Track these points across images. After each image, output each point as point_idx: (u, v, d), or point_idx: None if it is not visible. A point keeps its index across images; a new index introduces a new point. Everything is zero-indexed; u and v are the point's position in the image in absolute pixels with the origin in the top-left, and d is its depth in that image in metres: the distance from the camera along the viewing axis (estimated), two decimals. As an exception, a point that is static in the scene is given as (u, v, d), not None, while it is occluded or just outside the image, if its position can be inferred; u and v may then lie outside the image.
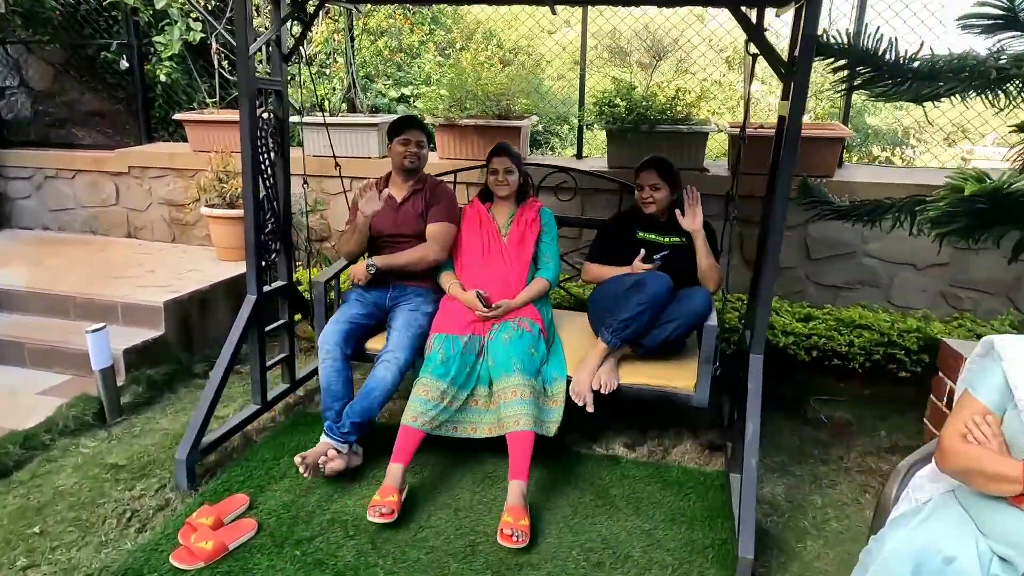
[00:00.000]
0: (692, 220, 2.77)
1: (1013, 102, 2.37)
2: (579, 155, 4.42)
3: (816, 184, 3.01)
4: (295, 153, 3.11)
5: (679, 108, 3.75)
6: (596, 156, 4.78)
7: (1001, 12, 2.25)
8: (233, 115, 4.45)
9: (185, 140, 4.75)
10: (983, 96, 2.40)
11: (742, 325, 3.38)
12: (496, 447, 2.64)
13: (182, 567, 2.12)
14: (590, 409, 2.58)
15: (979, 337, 3.25)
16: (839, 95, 3.96)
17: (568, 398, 2.62)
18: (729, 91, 6.81)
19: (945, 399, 2.74)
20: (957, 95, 2.38)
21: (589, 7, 3.81)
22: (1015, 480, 1.43)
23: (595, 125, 4.07)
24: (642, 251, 2.79)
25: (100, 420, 2.98)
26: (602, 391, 2.59)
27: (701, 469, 2.74)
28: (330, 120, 3.59)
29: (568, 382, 2.65)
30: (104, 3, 4.99)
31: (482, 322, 2.72)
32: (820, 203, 2.85)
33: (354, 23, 4.71)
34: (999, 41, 2.36)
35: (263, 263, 2.88)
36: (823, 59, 2.41)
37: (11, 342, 3.41)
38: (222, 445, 2.77)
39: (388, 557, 2.19)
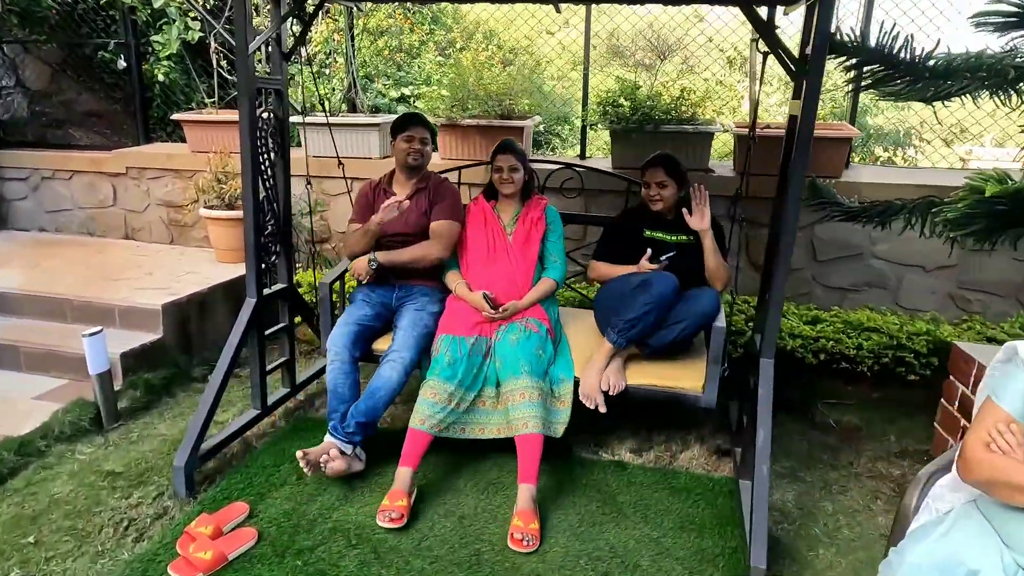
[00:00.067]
0: (700, 219, 2.73)
1: (1027, 101, 2.33)
2: (582, 155, 4.37)
3: (825, 185, 2.97)
4: (295, 153, 3.07)
5: (684, 108, 3.70)
6: (598, 157, 4.73)
7: (1016, 10, 2.20)
8: (232, 115, 4.41)
9: (183, 140, 4.71)
10: (995, 96, 2.36)
11: (748, 328, 3.34)
12: (500, 448, 2.62)
13: (180, 578, 2.07)
14: (602, 409, 2.56)
15: (989, 340, 3.23)
16: (845, 95, 3.92)
17: (575, 399, 2.59)
18: (730, 91, 6.77)
19: (957, 403, 2.70)
20: (967, 95, 2.34)
21: (593, 5, 3.76)
22: (1042, 491, 1.39)
23: (599, 125, 4.02)
24: (648, 251, 2.75)
25: (97, 426, 2.93)
26: (610, 392, 2.57)
27: (709, 475, 2.69)
28: (331, 120, 3.53)
29: (575, 383, 2.62)
30: (101, 2, 4.95)
31: (489, 323, 2.69)
32: (830, 204, 2.81)
33: (354, 22, 4.66)
34: (1012, 40, 2.31)
35: (263, 265, 2.84)
36: (835, 57, 2.36)
37: (7, 345, 3.36)
38: (221, 451, 2.72)
39: (392, 567, 2.14)
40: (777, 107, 6.89)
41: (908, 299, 3.64)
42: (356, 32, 4.79)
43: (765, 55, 2.41)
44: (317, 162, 3.69)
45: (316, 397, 3.30)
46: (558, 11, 3.26)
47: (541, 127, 5.95)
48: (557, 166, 3.59)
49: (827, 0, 1.99)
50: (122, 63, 4.91)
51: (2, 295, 3.66)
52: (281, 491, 2.51)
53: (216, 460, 2.69)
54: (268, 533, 2.28)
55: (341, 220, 4.26)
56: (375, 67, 5.51)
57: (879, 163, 5.62)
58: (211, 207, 4.06)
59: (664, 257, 2.75)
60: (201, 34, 4.72)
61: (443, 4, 6.04)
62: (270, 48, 2.93)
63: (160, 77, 4.88)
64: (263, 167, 2.80)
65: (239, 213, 3.94)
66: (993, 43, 2.33)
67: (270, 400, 3.01)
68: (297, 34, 2.92)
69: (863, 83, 2.38)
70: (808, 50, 2.18)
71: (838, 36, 2.27)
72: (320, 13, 3.93)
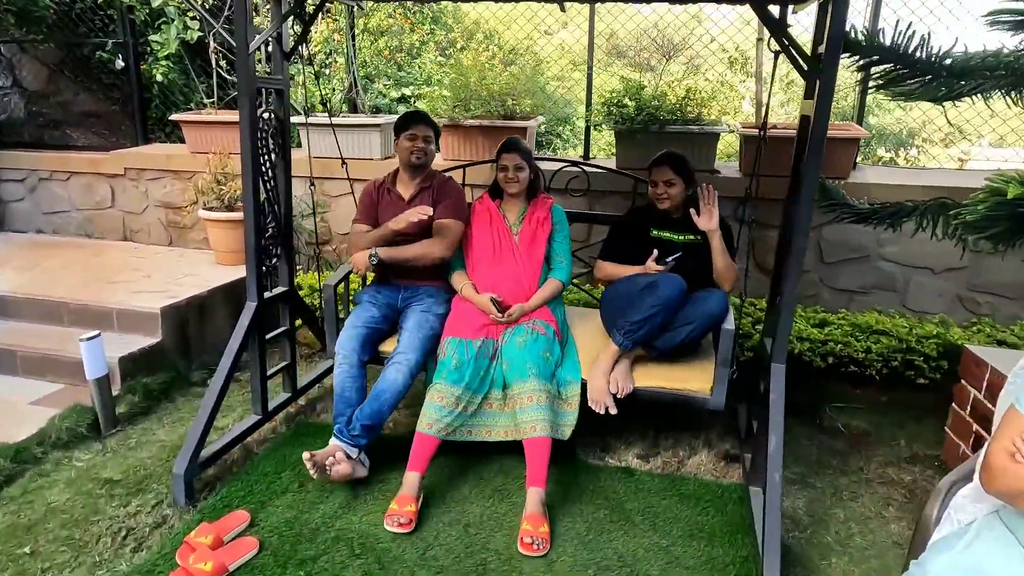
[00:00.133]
0: (709, 220, 2.69)
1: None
2: (586, 156, 4.33)
3: (834, 186, 2.92)
4: (294, 154, 3.02)
5: (690, 108, 3.66)
6: (600, 158, 4.69)
7: (1032, 8, 2.16)
8: (231, 116, 4.36)
9: (182, 141, 4.66)
10: (1008, 95, 2.31)
11: (755, 331, 3.30)
12: (505, 451, 2.59)
13: (180, 590, 2.03)
14: (613, 411, 2.54)
15: (999, 343, 3.19)
16: (847, 94, 3.88)
17: (583, 403, 2.56)
18: (731, 91, 6.73)
19: (969, 407, 2.66)
20: (979, 94, 2.30)
21: (598, 4, 3.71)
22: (1070, 503, 1.35)
23: (603, 126, 3.97)
24: (655, 251, 2.71)
25: (94, 432, 2.88)
26: (618, 395, 2.54)
27: (718, 481, 2.65)
28: (332, 121, 3.49)
29: (582, 385, 2.59)
30: (99, 1, 4.90)
31: (495, 325, 2.66)
32: (840, 206, 2.77)
33: (354, 22, 4.61)
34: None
35: (264, 268, 2.79)
36: (849, 56, 2.31)
37: (3, 349, 3.31)
38: (221, 458, 2.67)
39: (396, 577, 2.09)
40: (779, 107, 6.86)
41: (916, 301, 3.60)
42: (356, 32, 4.74)
43: (776, 54, 2.37)
44: (317, 163, 3.65)
45: (317, 401, 3.25)
46: (563, 9, 3.21)
47: (542, 128, 5.91)
48: (562, 164, 3.54)
49: (841, -3, 1.95)
50: (120, 63, 4.86)
51: (-2, 298, 3.61)
52: (283, 499, 2.47)
53: (216, 467, 2.64)
54: (270, 543, 2.23)
55: (342, 222, 4.21)
56: (375, 67, 5.46)
57: (881, 164, 5.58)
58: (210, 208, 4.02)
59: (671, 258, 2.71)
60: (200, 34, 4.68)
61: (443, 4, 6.00)
62: (270, 47, 2.88)
63: (158, 77, 4.83)
64: (264, 168, 2.75)
65: (238, 215, 3.90)
66: (1007, 42, 2.30)
67: (271, 405, 2.96)
68: (299, 33, 2.87)
69: (877, 83, 2.33)
70: (821, 49, 2.13)
71: (853, 34, 2.23)
72: (321, 12, 3.88)
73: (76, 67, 5.42)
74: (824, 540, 2.34)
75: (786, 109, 6.86)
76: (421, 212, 2.63)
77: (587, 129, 4.32)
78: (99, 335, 2.82)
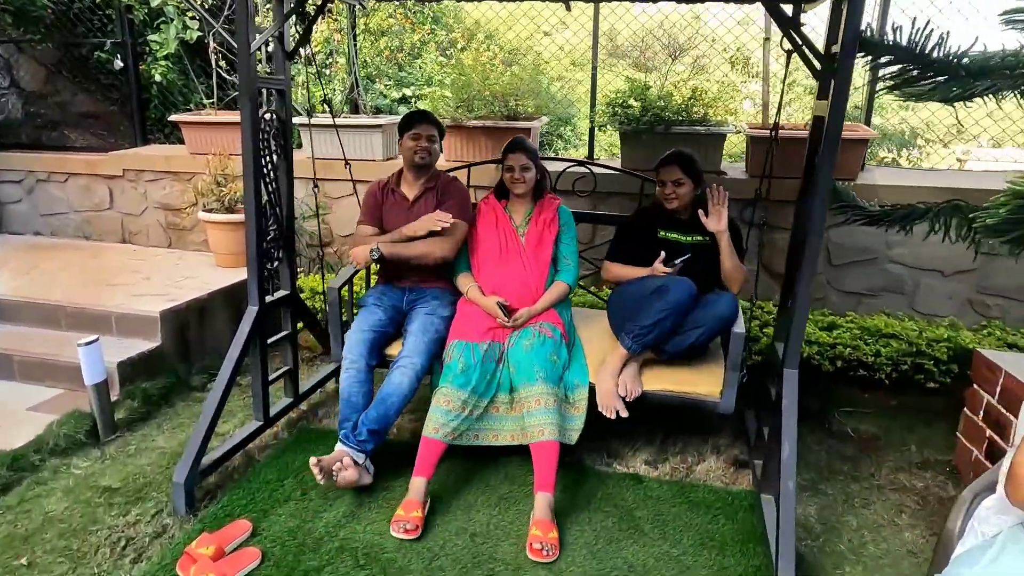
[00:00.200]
0: (717, 221, 2.65)
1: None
2: (590, 157, 4.28)
3: (845, 188, 2.88)
4: (295, 156, 2.97)
5: (696, 109, 3.62)
6: (604, 159, 4.64)
7: (1048, 7, 2.12)
8: (231, 116, 4.31)
9: (181, 142, 4.60)
10: (1020, 96, 2.27)
11: (763, 335, 3.25)
12: (511, 455, 2.55)
13: (181, 602, 1.98)
14: (624, 414, 2.50)
15: (1010, 346, 3.15)
16: (855, 95, 3.83)
17: (591, 407, 2.52)
18: (733, 92, 6.69)
19: (982, 412, 2.61)
20: (991, 95, 2.25)
21: (603, 3, 3.67)
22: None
23: (608, 126, 3.93)
24: (662, 253, 2.67)
25: (93, 438, 2.83)
26: (627, 399, 2.50)
27: (728, 488, 2.60)
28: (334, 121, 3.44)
29: (590, 389, 2.55)
30: (97, 1, 4.85)
31: (502, 327, 2.62)
32: (851, 208, 2.72)
33: (356, 22, 4.57)
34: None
35: (265, 272, 2.74)
36: (863, 56, 2.27)
37: (0, 354, 3.25)
38: (222, 465, 2.62)
39: (402, 589, 2.05)
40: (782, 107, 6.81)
41: (925, 304, 3.56)
42: (357, 32, 4.70)
43: (789, 53, 2.32)
44: (318, 164, 3.60)
45: (320, 406, 3.20)
46: (568, 8, 3.17)
47: (544, 128, 5.86)
48: (568, 164, 3.49)
49: (858, -5, 1.91)
50: (119, 63, 4.81)
51: (-5, 301, 3.56)
52: (285, 507, 2.42)
53: (217, 474, 2.59)
54: (272, 553, 2.18)
55: (343, 223, 4.17)
56: (376, 67, 5.42)
57: (883, 164, 5.54)
58: (210, 210, 3.97)
59: (679, 260, 2.67)
60: (199, 33, 4.63)
61: (444, 3, 5.96)
62: (271, 47, 2.84)
63: (157, 77, 4.78)
64: (265, 170, 2.70)
65: (239, 217, 3.85)
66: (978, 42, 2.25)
67: (272, 410, 2.91)
68: (301, 32, 2.83)
69: (890, 83, 2.29)
70: (835, 48, 2.09)
71: (868, 33, 2.19)
72: (323, 11, 3.83)
73: (74, 67, 5.38)
74: (837, 548, 2.30)
75: (788, 110, 6.82)
76: (441, 220, 2.59)
77: (591, 130, 4.28)
78: (97, 340, 2.77)
